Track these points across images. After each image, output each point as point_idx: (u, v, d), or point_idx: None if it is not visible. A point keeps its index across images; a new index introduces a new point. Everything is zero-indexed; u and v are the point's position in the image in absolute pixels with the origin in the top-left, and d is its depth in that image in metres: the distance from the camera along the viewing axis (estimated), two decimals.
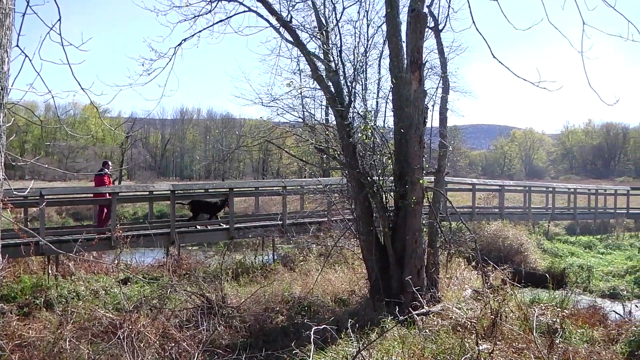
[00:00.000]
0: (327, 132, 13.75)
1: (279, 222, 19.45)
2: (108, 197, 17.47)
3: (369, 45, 13.88)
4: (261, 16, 12.41)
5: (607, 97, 7.35)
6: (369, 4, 14.48)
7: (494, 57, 8.76)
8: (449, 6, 13.92)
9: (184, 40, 12.22)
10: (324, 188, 15.84)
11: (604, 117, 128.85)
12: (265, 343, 10.53)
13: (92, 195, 19.00)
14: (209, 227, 19.32)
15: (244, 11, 12.44)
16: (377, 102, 14.37)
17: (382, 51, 14.43)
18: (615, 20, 7.33)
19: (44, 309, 12.69)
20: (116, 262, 16.74)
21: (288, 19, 12.62)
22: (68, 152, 77.90)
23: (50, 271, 15.69)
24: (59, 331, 9.81)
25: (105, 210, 18.62)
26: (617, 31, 7.24)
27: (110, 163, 21.03)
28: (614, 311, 12.87)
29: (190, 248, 22.96)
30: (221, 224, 19.46)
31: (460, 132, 75.83)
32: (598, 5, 7.14)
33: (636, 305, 13.64)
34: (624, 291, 17.90)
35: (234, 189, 20.56)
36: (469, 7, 9.76)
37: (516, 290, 11.62)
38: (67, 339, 9.05)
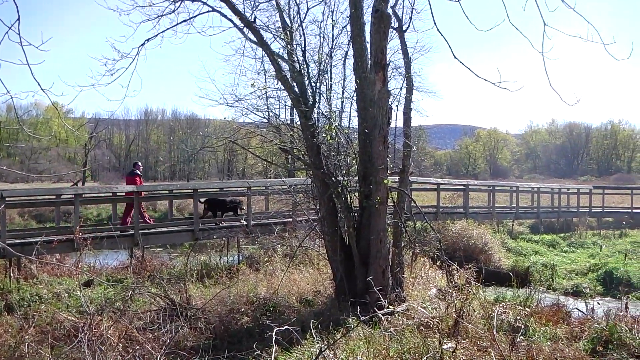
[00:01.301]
0: (292, 133, 13.72)
1: (244, 223, 19.39)
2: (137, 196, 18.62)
3: (333, 46, 13.88)
4: (225, 16, 12.34)
5: (569, 97, 7.45)
6: (334, 4, 14.50)
7: (455, 57, 8.84)
8: (412, 7, 14.00)
9: (147, 40, 12.09)
10: (289, 188, 15.83)
11: (567, 117, 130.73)
12: (229, 344, 10.49)
13: (124, 194, 20.48)
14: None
15: (208, 11, 12.35)
16: (342, 102, 14.39)
17: (347, 51, 14.44)
18: (575, 22, 7.44)
19: (5, 313, 12.53)
20: (80, 264, 16.60)
21: (252, 19, 12.56)
22: (30, 154, 76.84)
23: (12, 274, 15.48)
24: (19, 335, 9.69)
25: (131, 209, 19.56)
26: (577, 32, 7.34)
27: (140, 164, 22.09)
28: (576, 309, 13.01)
29: (154, 249, 22.78)
30: (242, 221, 19.83)
31: (425, 132, 76.34)
32: (559, 6, 7.23)
33: (598, 303, 13.81)
34: (587, 289, 18.14)
35: (198, 190, 20.47)
36: (430, 8, 9.86)
37: (480, 289, 11.71)
38: (28, 343, 8.93)
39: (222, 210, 20.96)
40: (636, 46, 7.48)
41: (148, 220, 20.92)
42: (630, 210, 35.23)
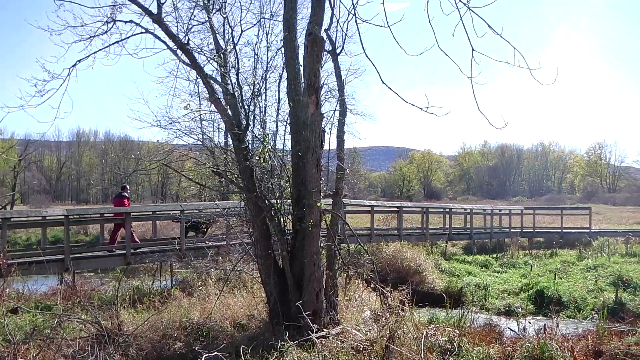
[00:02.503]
0: (225, 156, 13.63)
1: (177, 247, 19.17)
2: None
3: (268, 68, 13.88)
4: (158, 38, 12.21)
5: (497, 120, 7.59)
6: (269, 27, 14.49)
7: (382, 82, 8.94)
8: (345, 33, 14.10)
9: (79, 61, 11.87)
10: (223, 212, 15.71)
11: (499, 139, 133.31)
12: None
13: (112, 215, 21.33)
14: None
15: (141, 32, 12.20)
16: (276, 124, 14.35)
17: (282, 74, 14.43)
18: (503, 48, 7.60)
19: None
20: (7, 290, 16.13)
21: (185, 41, 12.47)
22: None
23: None
24: None
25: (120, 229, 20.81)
26: (504, 57, 7.50)
27: (128, 187, 22.99)
28: (509, 328, 13.17)
29: (86, 274, 22.31)
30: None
31: (359, 154, 76.96)
32: (486, 32, 7.37)
33: (530, 322, 14.01)
34: (519, 308, 18.42)
35: (131, 214, 20.16)
36: (359, 35, 9.95)
37: (414, 311, 11.77)
38: None
39: (194, 230, 21.54)
40: (561, 71, 7.66)
41: (137, 240, 21.40)
42: (560, 230, 36.16)
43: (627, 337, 10.63)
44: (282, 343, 10.03)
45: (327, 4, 12.09)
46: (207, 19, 12.96)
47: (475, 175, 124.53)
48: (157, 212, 22.98)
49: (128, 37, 12.16)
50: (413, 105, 8.41)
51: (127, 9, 12.08)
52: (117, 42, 12.14)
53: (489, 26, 7.34)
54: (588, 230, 36.09)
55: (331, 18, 13.03)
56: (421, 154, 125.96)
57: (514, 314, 17.51)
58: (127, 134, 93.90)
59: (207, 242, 19.52)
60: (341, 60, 14.15)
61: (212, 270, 17.51)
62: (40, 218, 21.11)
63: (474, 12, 7.37)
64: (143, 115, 13.38)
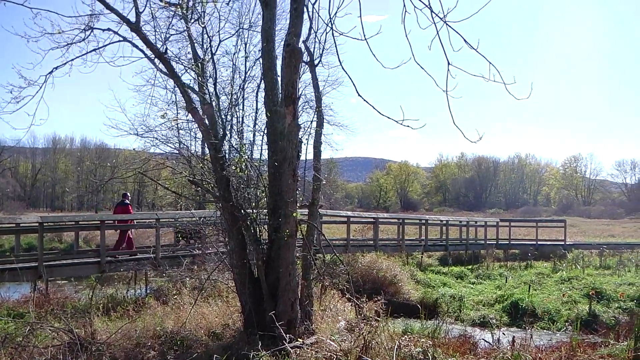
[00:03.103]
0: (202, 165, 13.63)
1: (152, 255, 19.10)
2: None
3: (246, 78, 13.96)
4: (136, 46, 12.18)
5: (472, 134, 7.65)
6: (247, 37, 14.61)
7: (358, 95, 8.97)
8: (323, 45, 14.19)
9: (56, 68, 11.81)
10: (199, 221, 15.70)
11: (476, 151, 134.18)
12: None
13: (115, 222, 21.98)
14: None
15: (119, 41, 12.16)
16: (253, 134, 14.41)
17: (260, 84, 14.52)
18: (478, 62, 7.69)
19: None
20: None
21: (163, 50, 12.46)
22: None
23: None
24: None
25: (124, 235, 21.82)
26: (480, 72, 7.59)
27: (128, 194, 23.66)
28: (483, 339, 13.23)
29: (60, 282, 22.17)
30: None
31: (336, 164, 77.14)
32: (462, 47, 7.46)
33: (504, 333, 14.10)
34: (494, 319, 18.51)
35: (106, 222, 20.07)
36: (336, 47, 10.00)
37: (389, 321, 11.82)
38: None
39: (187, 238, 21.35)
40: (535, 86, 7.77)
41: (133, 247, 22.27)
42: (535, 242, 36.50)
43: (600, 349, 10.73)
44: (256, 352, 10.04)
45: (305, 16, 12.14)
46: (185, 28, 12.98)
47: (452, 187, 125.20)
48: (133, 221, 22.91)
49: (106, 45, 12.12)
50: (388, 117, 8.45)
51: (105, 17, 12.04)
52: (94, 49, 12.10)
53: (464, 40, 7.42)
54: (563, 243, 36.50)
55: (309, 30, 13.12)
56: (398, 166, 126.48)
57: (489, 325, 17.58)
58: (103, 141, 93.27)
59: (192, 250, 19.53)
60: (319, 71, 14.28)
61: (187, 279, 17.47)
62: (14, 225, 20.95)
63: (450, 26, 7.45)
64: (120, 123, 13.39)
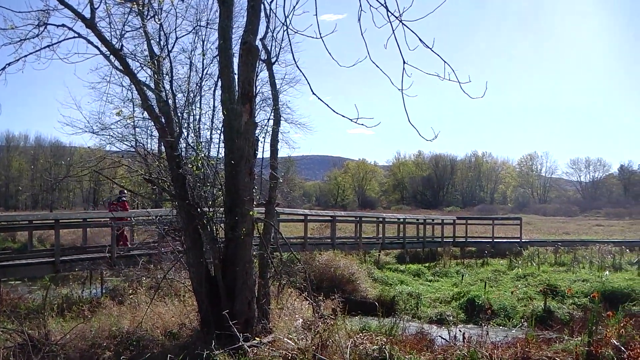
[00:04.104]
0: (159, 163, 13.52)
1: (108, 255, 18.90)
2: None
3: (203, 76, 13.85)
4: (91, 43, 12.00)
5: (427, 132, 7.71)
6: (204, 35, 14.49)
7: (313, 93, 9.01)
8: (280, 44, 14.19)
9: (8, 64, 11.58)
10: (155, 219, 15.57)
11: (433, 149, 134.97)
12: None
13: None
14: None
15: (74, 37, 11.98)
16: (210, 132, 14.32)
17: (217, 82, 14.40)
18: (433, 61, 7.74)
19: None
20: None
21: (119, 47, 12.33)
22: None
23: None
24: None
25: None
26: (435, 70, 7.65)
27: (125, 192, 23.23)
28: (440, 336, 13.31)
29: (13, 282, 21.81)
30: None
31: (294, 163, 76.97)
32: (418, 45, 7.51)
33: (460, 330, 14.21)
34: (451, 316, 18.72)
35: (60, 221, 19.79)
36: (291, 46, 10.07)
37: (346, 319, 11.86)
38: None
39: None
40: (490, 85, 7.86)
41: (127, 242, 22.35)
42: (492, 240, 36.77)
43: (555, 344, 10.88)
44: (211, 352, 10.00)
45: (262, 14, 12.14)
46: (141, 25, 12.85)
47: (410, 185, 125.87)
48: (88, 220, 22.65)
49: (60, 42, 11.93)
50: (343, 116, 8.49)
51: (59, 12, 11.85)
52: (48, 46, 11.90)
53: (420, 39, 7.47)
54: (519, 240, 36.93)
55: (267, 27, 13.12)
56: (356, 164, 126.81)
57: (446, 322, 17.75)
58: (58, 138, 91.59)
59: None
60: (277, 69, 14.27)
61: (144, 278, 17.31)
62: None
63: (405, 25, 7.50)
64: (75, 120, 13.25)
